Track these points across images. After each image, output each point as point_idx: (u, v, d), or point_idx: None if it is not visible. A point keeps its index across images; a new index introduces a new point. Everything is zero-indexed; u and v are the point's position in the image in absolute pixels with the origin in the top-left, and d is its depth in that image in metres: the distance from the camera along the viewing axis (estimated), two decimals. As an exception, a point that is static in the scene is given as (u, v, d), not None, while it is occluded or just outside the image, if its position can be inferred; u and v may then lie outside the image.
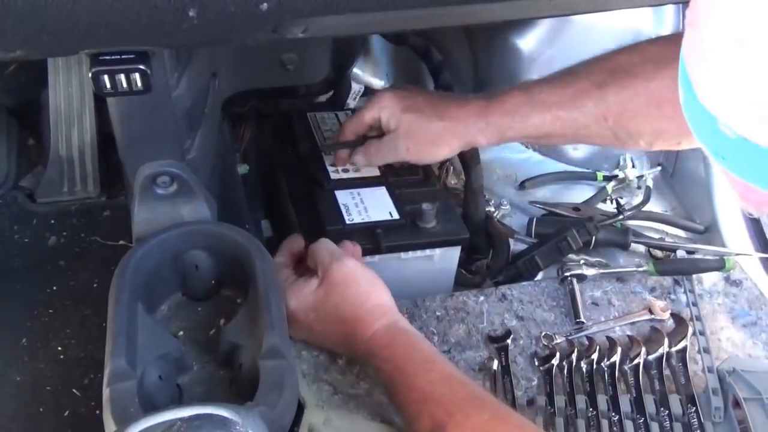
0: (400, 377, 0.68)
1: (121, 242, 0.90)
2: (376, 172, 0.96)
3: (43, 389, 0.75)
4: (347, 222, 0.88)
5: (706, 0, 0.37)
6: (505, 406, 0.68)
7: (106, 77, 0.57)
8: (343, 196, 0.91)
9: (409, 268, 0.90)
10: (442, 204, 0.92)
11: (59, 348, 0.79)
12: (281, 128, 1.04)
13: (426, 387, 0.66)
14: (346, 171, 0.95)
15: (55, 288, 0.86)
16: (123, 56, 0.57)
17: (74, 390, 0.75)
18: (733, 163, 0.38)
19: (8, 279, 0.87)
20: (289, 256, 0.83)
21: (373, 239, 0.87)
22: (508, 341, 0.83)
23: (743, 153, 0.37)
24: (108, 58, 0.57)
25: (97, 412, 0.71)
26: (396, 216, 0.90)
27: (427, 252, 0.90)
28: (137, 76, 0.58)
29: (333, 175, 0.94)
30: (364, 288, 0.75)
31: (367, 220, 0.89)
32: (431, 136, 0.87)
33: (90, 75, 0.57)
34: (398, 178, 0.96)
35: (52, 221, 0.94)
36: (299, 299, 0.75)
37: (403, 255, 0.89)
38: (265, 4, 0.52)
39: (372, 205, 0.91)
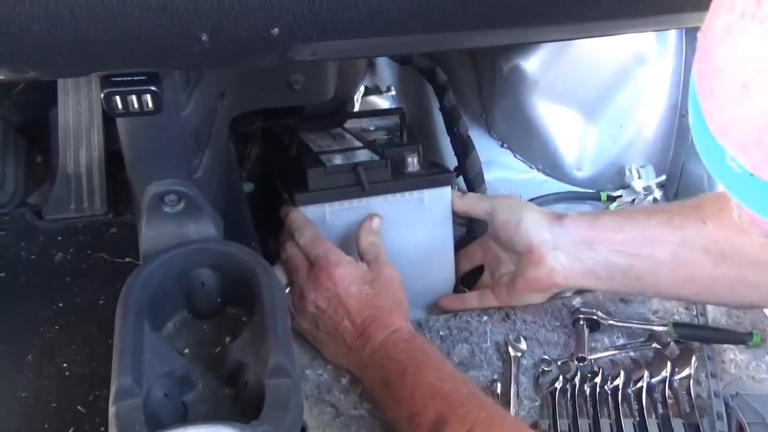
0: (413, 369, 0.72)
1: (128, 259, 0.90)
2: (360, 143, 0.97)
3: (47, 406, 0.75)
4: (327, 165, 0.87)
5: (715, 37, 0.37)
6: (499, 407, 0.74)
7: (117, 98, 0.58)
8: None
9: (399, 214, 0.88)
10: (425, 158, 0.92)
11: (64, 364, 0.79)
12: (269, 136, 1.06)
13: (435, 383, 0.70)
14: (329, 146, 0.96)
15: (60, 304, 0.86)
16: (134, 77, 0.58)
17: (79, 407, 0.75)
18: (739, 194, 0.39)
19: (14, 295, 0.87)
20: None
21: (356, 178, 0.85)
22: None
23: (748, 186, 0.37)
24: (120, 79, 0.58)
25: (102, 429, 0.72)
26: (377, 158, 0.89)
27: (415, 194, 0.87)
28: (148, 97, 0.59)
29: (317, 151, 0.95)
30: (401, 291, 0.82)
31: (347, 162, 0.88)
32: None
33: (102, 96, 0.58)
34: (381, 143, 0.96)
35: (59, 238, 0.95)
36: (354, 273, 0.80)
37: (390, 197, 0.87)
38: (276, 29, 0.53)
39: (354, 157, 0.91)
